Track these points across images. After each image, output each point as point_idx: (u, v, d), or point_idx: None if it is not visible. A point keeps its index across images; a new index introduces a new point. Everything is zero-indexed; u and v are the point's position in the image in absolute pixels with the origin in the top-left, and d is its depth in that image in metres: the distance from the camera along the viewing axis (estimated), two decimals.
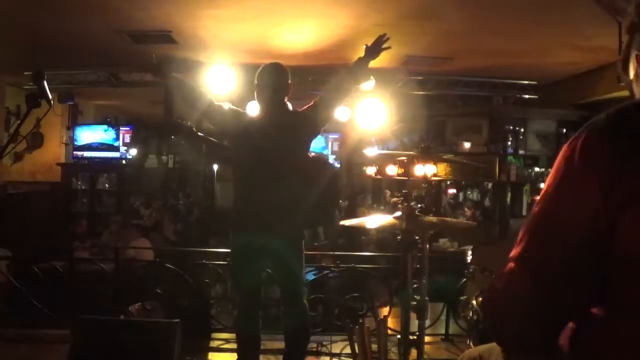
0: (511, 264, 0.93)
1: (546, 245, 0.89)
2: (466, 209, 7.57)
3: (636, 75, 0.99)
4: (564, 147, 0.92)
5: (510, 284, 0.93)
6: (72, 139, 8.21)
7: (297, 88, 6.38)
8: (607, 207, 0.82)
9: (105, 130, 8.37)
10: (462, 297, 2.64)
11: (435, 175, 6.18)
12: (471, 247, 2.88)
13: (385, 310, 3.89)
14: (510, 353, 1.11)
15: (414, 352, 2.36)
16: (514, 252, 0.94)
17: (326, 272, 4.26)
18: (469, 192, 8.52)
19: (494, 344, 1.43)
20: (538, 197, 0.96)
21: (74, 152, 8.24)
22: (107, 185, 8.24)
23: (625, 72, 1.05)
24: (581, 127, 0.91)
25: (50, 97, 1.72)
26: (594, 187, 0.83)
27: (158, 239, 6.52)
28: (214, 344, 3.70)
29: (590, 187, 0.84)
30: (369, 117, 6.26)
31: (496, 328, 1.00)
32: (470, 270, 2.66)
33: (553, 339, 0.94)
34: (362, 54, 2.85)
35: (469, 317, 2.39)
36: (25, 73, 5.83)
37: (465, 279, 2.96)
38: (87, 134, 8.28)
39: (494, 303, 0.99)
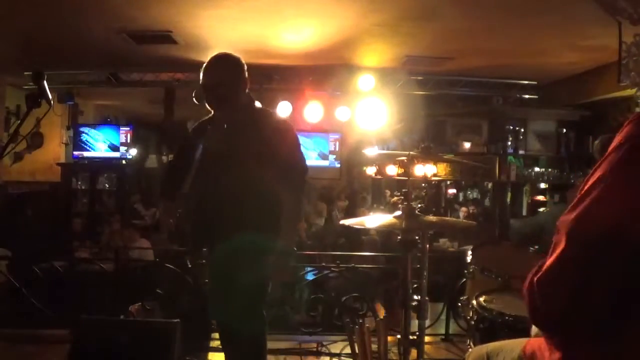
0: (562, 244, 0.96)
1: (597, 217, 0.92)
2: (462, 209, 7.58)
3: None
4: (622, 136, 0.95)
5: (560, 261, 0.96)
6: (71, 139, 8.22)
7: (297, 88, 6.45)
8: None
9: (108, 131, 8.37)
10: (462, 297, 2.64)
11: (435, 175, 6.19)
12: (471, 247, 2.87)
13: (381, 312, 3.89)
14: (552, 335, 1.11)
15: (414, 352, 2.36)
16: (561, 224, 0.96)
17: (326, 272, 4.26)
18: (469, 192, 8.53)
19: (502, 343, 1.42)
20: (592, 181, 0.97)
21: (74, 152, 8.25)
22: (107, 185, 8.24)
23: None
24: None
25: (50, 97, 1.72)
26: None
27: (158, 239, 6.52)
28: (214, 344, 3.69)
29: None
30: (369, 117, 6.28)
31: (543, 305, 1.00)
32: (470, 270, 2.66)
33: (598, 324, 0.96)
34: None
35: (469, 317, 2.39)
36: (25, 73, 5.83)
37: (465, 279, 2.96)
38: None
39: (542, 279, 0.99)
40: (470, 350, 1.67)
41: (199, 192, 2.39)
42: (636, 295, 0.92)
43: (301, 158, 2.39)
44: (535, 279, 1.00)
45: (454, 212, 7.73)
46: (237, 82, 2.38)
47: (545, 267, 0.99)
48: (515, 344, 1.32)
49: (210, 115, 2.54)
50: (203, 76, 2.39)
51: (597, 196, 0.94)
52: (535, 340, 1.25)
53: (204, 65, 2.40)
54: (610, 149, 0.96)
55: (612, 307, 0.94)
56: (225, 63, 2.40)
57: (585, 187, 0.97)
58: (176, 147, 2.66)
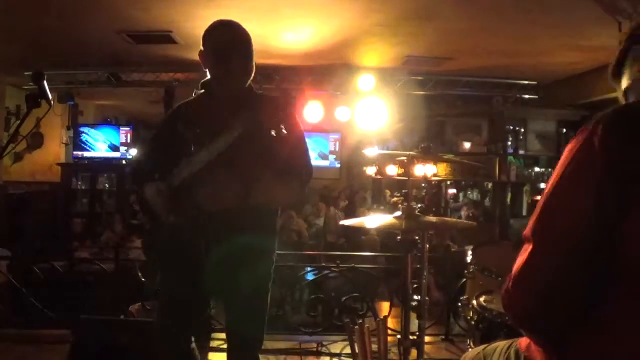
0: (526, 245, 0.99)
1: (559, 226, 0.96)
2: (463, 209, 7.58)
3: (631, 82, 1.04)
4: (574, 139, 0.97)
5: (528, 261, 0.99)
6: (71, 139, 8.22)
7: (297, 88, 6.45)
8: (613, 190, 0.88)
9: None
10: (462, 297, 2.64)
11: (435, 175, 6.18)
12: (471, 247, 2.87)
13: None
14: (530, 334, 1.14)
15: (414, 352, 2.36)
16: (526, 232, 1.00)
17: (326, 272, 4.26)
18: (469, 192, 8.52)
19: (497, 344, 1.42)
20: (547, 186, 1.01)
21: (74, 152, 8.25)
22: (107, 185, 8.24)
23: (617, 79, 1.09)
24: (590, 120, 0.96)
25: (50, 97, 1.72)
26: (602, 172, 0.89)
27: None
28: (214, 343, 3.70)
29: (599, 173, 0.90)
30: (369, 117, 6.28)
31: (517, 308, 1.04)
32: (470, 270, 2.66)
33: (568, 323, 0.98)
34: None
35: (469, 317, 2.39)
36: (25, 73, 5.83)
37: (465, 279, 2.96)
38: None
39: (513, 285, 1.02)
40: (468, 351, 1.67)
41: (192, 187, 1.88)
42: (609, 278, 0.94)
43: (308, 161, 2.05)
44: (510, 283, 1.03)
45: (454, 212, 7.73)
46: (251, 55, 1.98)
47: (516, 268, 1.02)
48: (511, 342, 1.33)
49: (195, 96, 2.14)
50: (227, 30, 1.97)
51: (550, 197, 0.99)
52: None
53: (218, 23, 2.01)
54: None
55: (587, 295, 0.95)
56: (241, 29, 2.01)
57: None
58: (149, 139, 2.17)
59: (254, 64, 1.99)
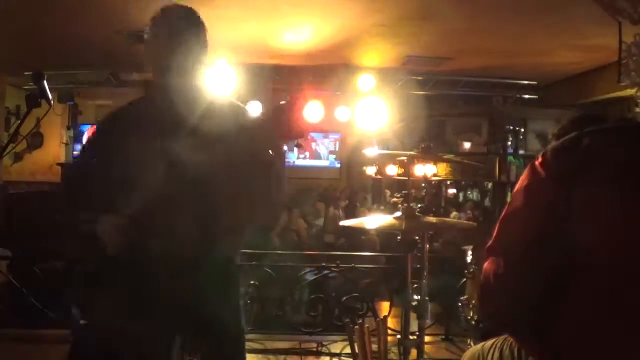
0: (489, 252, 1.13)
1: (514, 232, 1.11)
2: (468, 210, 7.57)
3: None
4: (531, 163, 1.15)
5: (490, 266, 1.12)
6: (71, 139, 8.22)
7: (297, 88, 6.44)
8: (561, 199, 1.02)
9: None
10: (462, 297, 2.64)
11: (435, 175, 6.18)
12: (471, 247, 2.87)
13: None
14: (507, 332, 1.28)
15: (414, 352, 2.36)
16: (490, 244, 1.15)
17: (326, 272, 4.26)
18: (469, 192, 8.52)
19: (493, 340, 1.44)
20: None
21: (74, 152, 8.24)
22: None
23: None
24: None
25: (50, 97, 1.72)
26: (551, 187, 1.05)
27: None
28: None
29: (548, 188, 1.05)
30: (369, 117, 6.27)
31: (486, 309, 1.23)
32: (471, 270, 2.65)
33: (535, 321, 1.07)
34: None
35: (469, 317, 2.39)
36: (25, 73, 5.83)
37: (465, 279, 2.96)
38: None
39: (483, 287, 1.14)
40: (467, 350, 1.68)
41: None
42: (570, 274, 1.02)
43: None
44: (479, 291, 1.18)
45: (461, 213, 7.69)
46: (204, 46, 1.68)
47: (483, 277, 1.13)
48: (505, 337, 1.37)
49: (135, 99, 1.77)
50: (159, 24, 1.73)
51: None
52: None
53: (156, 14, 1.78)
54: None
55: (550, 292, 1.04)
56: (191, 14, 1.76)
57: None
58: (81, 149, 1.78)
59: (202, 57, 1.65)
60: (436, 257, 4.38)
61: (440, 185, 7.63)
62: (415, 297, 2.36)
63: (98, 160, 1.64)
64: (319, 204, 8.35)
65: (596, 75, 5.55)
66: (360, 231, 6.70)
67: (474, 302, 2.29)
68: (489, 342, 1.46)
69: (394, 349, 2.54)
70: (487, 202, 7.76)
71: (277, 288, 4.10)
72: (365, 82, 6.17)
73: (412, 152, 2.42)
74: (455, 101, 6.87)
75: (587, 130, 1.07)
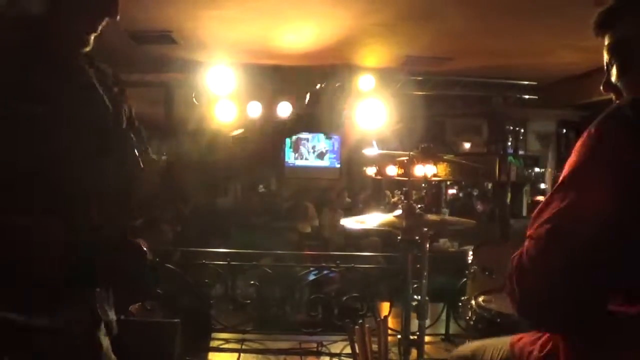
0: (540, 240, 0.96)
1: (576, 226, 0.93)
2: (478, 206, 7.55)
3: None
4: (589, 133, 0.99)
5: (543, 257, 0.95)
6: None
7: (297, 88, 6.45)
8: (630, 198, 0.88)
9: None
10: (462, 297, 2.64)
11: (435, 175, 6.19)
12: (472, 247, 2.88)
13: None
14: (536, 327, 1.14)
15: (414, 352, 2.36)
16: (539, 226, 0.97)
17: (326, 272, 4.26)
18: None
19: (487, 341, 1.43)
20: (562, 176, 0.99)
21: None
22: None
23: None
24: (604, 113, 0.99)
25: None
26: (618, 179, 0.90)
27: (155, 240, 6.51)
28: (214, 343, 3.70)
29: (615, 179, 0.90)
30: (368, 117, 6.27)
31: (523, 299, 1.00)
32: (471, 270, 2.66)
33: (584, 321, 0.97)
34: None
35: (468, 317, 2.39)
36: None
37: (465, 279, 2.96)
38: None
39: (523, 274, 0.99)
40: (456, 349, 1.67)
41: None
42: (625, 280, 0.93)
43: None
44: (514, 277, 1.00)
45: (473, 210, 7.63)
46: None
47: (524, 257, 0.99)
48: (501, 342, 1.33)
49: None
50: None
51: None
52: (522, 337, 1.25)
53: None
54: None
55: (599, 294, 0.95)
56: None
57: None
58: None
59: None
60: (436, 256, 4.39)
61: (440, 185, 7.63)
62: (416, 297, 2.37)
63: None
64: (309, 207, 8.28)
65: (596, 76, 5.52)
66: (360, 234, 6.70)
67: (473, 302, 2.29)
68: (480, 344, 1.43)
69: (394, 349, 2.54)
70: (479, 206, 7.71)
71: (277, 288, 4.11)
72: (365, 83, 6.17)
73: (412, 153, 2.43)
74: (455, 101, 6.86)
75: None
